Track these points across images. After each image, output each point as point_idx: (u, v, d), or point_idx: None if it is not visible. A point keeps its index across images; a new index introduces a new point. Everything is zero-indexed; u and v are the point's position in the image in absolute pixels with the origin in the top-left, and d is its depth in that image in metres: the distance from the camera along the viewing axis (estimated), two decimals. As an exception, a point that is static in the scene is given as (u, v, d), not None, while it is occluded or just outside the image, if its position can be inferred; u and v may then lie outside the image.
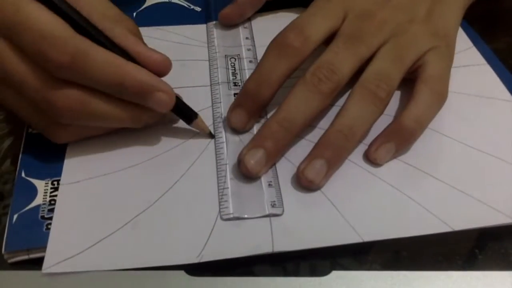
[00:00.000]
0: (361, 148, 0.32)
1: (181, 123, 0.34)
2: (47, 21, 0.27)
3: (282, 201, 0.30)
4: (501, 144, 0.33)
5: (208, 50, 0.39)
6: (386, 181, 0.31)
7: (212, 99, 0.36)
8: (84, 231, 0.28)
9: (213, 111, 0.35)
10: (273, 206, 0.29)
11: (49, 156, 0.32)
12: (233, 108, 0.33)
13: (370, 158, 0.32)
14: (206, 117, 0.34)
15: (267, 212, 0.29)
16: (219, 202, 0.30)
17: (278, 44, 0.33)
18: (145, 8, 0.43)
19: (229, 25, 0.41)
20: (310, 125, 0.33)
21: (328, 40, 0.33)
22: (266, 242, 0.28)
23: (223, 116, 0.34)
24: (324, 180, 0.30)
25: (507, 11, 0.44)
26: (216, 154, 0.32)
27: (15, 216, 0.29)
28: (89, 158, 0.32)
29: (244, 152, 0.30)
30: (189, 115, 0.32)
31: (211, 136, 0.33)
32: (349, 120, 0.31)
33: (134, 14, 0.43)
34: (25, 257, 0.28)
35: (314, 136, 0.33)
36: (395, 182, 0.31)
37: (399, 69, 0.33)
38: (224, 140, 0.33)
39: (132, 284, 0.27)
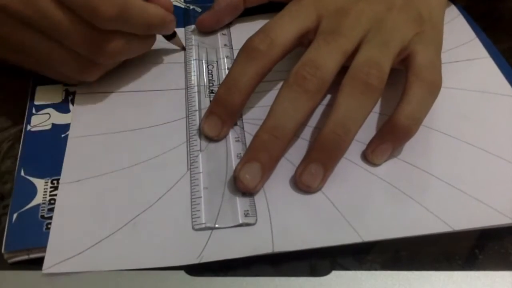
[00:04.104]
0: (361, 147, 0.32)
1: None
2: None
3: (255, 210, 0.29)
4: (503, 142, 0.33)
5: (185, 56, 0.39)
6: (387, 181, 0.31)
7: (188, 106, 0.35)
8: (84, 231, 0.28)
9: (188, 118, 0.34)
10: (246, 215, 0.29)
11: (48, 155, 0.32)
12: (206, 116, 0.33)
13: (367, 160, 0.32)
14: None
15: (240, 222, 0.29)
16: (191, 212, 0.29)
17: (245, 49, 0.32)
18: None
19: (206, 31, 0.41)
20: (302, 126, 0.32)
21: (308, 43, 0.33)
22: (266, 242, 0.28)
23: (198, 124, 0.34)
24: (322, 183, 0.30)
25: (510, 10, 0.44)
26: (190, 163, 0.32)
27: (14, 215, 0.29)
28: (89, 156, 0.32)
29: (239, 167, 0.30)
30: (172, 33, 0.38)
31: (184, 49, 0.39)
32: (342, 117, 0.30)
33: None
34: (25, 257, 0.28)
35: (307, 134, 0.33)
36: (396, 182, 0.31)
37: (387, 54, 0.32)
38: (199, 148, 0.32)
39: (132, 284, 0.27)
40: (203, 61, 0.38)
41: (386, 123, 0.32)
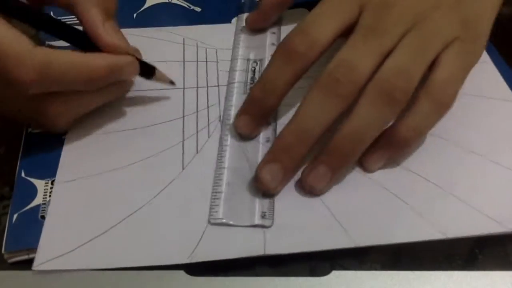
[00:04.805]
0: None
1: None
2: (4, 39, 0.27)
3: (273, 212, 0.29)
4: (502, 148, 0.32)
5: (233, 51, 0.39)
6: (383, 186, 0.30)
7: (224, 100, 0.35)
8: (77, 229, 0.28)
9: (222, 112, 0.35)
10: (263, 217, 0.29)
11: (49, 156, 0.32)
12: (240, 114, 0.33)
13: (362, 166, 0.31)
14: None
15: (255, 222, 0.29)
16: (210, 206, 0.29)
17: (283, 49, 0.31)
18: (145, 9, 0.43)
19: (255, 30, 0.40)
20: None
21: (348, 33, 0.31)
22: (258, 244, 0.28)
23: (232, 120, 0.34)
24: (328, 186, 0.30)
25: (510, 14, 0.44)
26: (217, 157, 0.32)
27: (15, 216, 0.29)
28: (84, 156, 0.32)
29: (260, 166, 0.29)
30: (146, 71, 0.34)
31: (172, 83, 0.35)
32: (358, 125, 0.29)
33: (135, 15, 0.43)
34: (25, 257, 0.28)
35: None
36: (391, 186, 0.30)
37: (420, 63, 0.29)
38: (228, 143, 0.33)
39: (132, 284, 0.27)
40: (248, 58, 0.38)
41: (387, 132, 0.31)
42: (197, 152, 0.32)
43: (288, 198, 0.30)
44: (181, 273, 0.27)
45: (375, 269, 0.28)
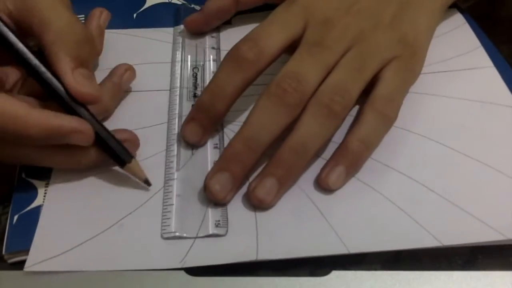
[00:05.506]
0: None
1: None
2: None
3: (227, 220, 0.29)
4: (502, 155, 0.31)
5: (172, 58, 0.38)
6: (378, 191, 0.30)
7: (169, 109, 0.35)
8: (70, 231, 0.28)
9: (168, 121, 0.34)
10: (217, 226, 0.29)
11: (49, 157, 0.32)
12: (187, 121, 0.33)
13: (322, 185, 0.30)
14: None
15: (210, 232, 0.28)
16: (162, 219, 0.29)
17: (232, 56, 0.31)
18: (145, 9, 0.43)
19: (194, 33, 0.40)
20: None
21: (292, 49, 0.32)
22: (251, 249, 0.28)
23: (177, 128, 0.33)
24: (276, 198, 0.29)
25: (507, 19, 0.43)
26: (165, 168, 0.31)
27: (15, 217, 0.29)
28: None
29: (209, 176, 0.29)
30: (121, 159, 0.30)
31: (148, 183, 0.30)
32: (301, 137, 0.29)
33: (135, 15, 0.43)
34: (25, 257, 0.28)
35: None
36: (388, 192, 0.30)
37: (358, 81, 0.32)
38: (176, 153, 0.32)
39: (132, 284, 0.27)
40: (188, 64, 0.38)
41: (340, 146, 0.31)
42: (192, 155, 0.32)
43: (282, 205, 0.30)
44: (181, 273, 0.27)
45: (375, 269, 0.28)
